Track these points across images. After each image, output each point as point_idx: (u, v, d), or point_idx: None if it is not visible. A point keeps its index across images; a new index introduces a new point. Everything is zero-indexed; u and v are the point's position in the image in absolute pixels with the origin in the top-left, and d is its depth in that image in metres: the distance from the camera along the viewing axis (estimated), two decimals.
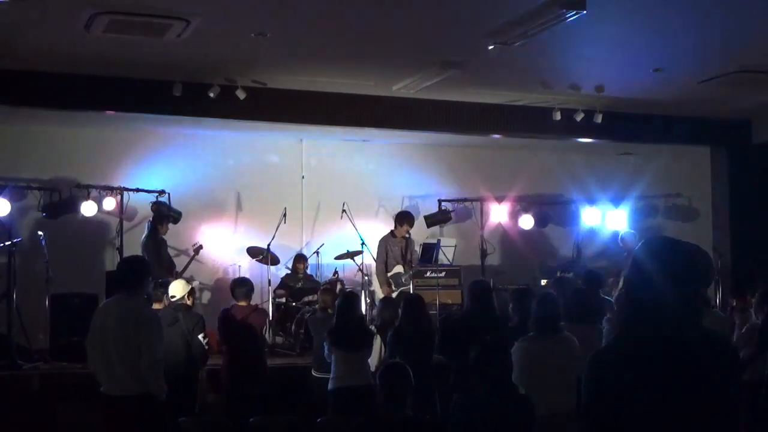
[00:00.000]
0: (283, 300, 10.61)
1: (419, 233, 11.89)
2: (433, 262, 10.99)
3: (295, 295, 10.65)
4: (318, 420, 6.48)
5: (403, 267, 10.53)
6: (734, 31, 7.78)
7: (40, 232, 10.55)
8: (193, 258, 10.81)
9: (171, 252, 11.15)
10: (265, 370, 8.16)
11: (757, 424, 6.74)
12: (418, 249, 11.23)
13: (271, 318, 9.91)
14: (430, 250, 11.12)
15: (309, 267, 11.28)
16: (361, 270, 10.76)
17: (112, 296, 5.82)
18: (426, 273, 11.05)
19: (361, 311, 9.43)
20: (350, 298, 7.92)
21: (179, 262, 10.97)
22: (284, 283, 10.97)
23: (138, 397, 5.48)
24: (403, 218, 10.59)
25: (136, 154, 11.30)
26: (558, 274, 11.35)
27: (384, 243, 10.61)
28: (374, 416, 4.86)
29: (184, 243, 11.23)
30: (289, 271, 11.19)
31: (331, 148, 12.27)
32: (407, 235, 10.62)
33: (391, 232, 10.69)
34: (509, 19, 7.26)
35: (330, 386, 7.35)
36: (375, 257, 10.61)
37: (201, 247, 10.94)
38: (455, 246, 11.19)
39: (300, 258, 11.09)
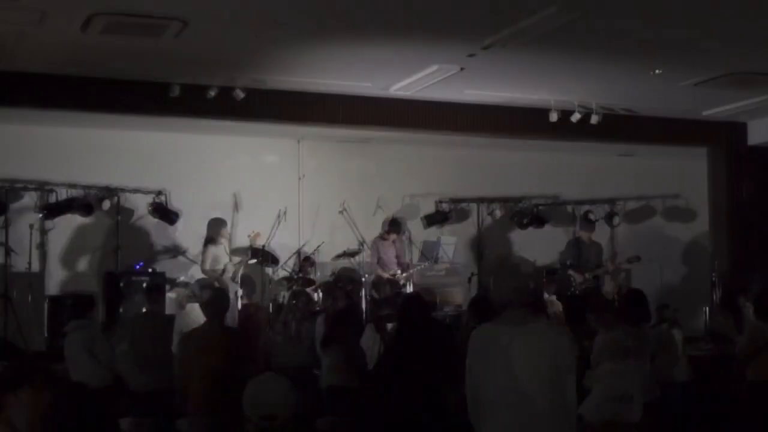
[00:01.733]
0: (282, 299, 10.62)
1: (418, 234, 11.98)
2: (434, 260, 11.14)
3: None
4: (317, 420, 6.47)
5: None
6: (730, 34, 7.80)
7: (36, 233, 10.58)
8: (251, 247, 10.69)
9: (169, 253, 11.25)
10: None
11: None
12: (419, 245, 11.33)
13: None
14: (431, 248, 11.20)
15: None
16: (358, 270, 10.81)
17: None
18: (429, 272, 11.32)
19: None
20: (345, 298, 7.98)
21: (179, 263, 11.09)
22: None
23: None
24: (389, 226, 11.13)
25: (133, 155, 11.28)
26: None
27: (375, 244, 11.08)
28: None
29: (183, 244, 11.23)
30: (287, 272, 11.16)
31: (330, 149, 12.26)
32: (403, 238, 11.04)
33: (381, 235, 11.04)
34: (506, 20, 7.29)
35: (321, 384, 7.39)
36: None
37: (259, 234, 10.77)
38: (455, 244, 11.26)
39: (307, 261, 11.05)
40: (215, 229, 10.50)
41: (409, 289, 10.59)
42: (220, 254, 10.39)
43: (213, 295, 7.36)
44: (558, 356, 3.85)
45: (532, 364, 3.84)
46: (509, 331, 3.90)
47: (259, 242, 10.75)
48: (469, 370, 4.03)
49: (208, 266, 10.23)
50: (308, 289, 10.41)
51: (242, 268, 10.40)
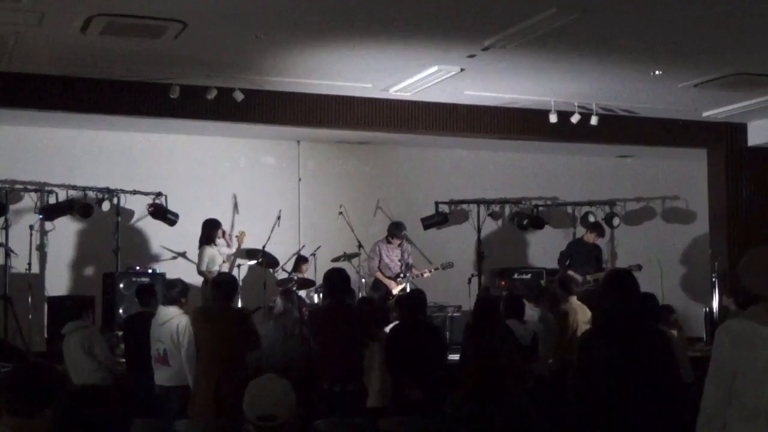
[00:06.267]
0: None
1: (417, 236, 11.95)
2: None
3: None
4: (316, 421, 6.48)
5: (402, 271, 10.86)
6: (730, 34, 7.80)
7: (36, 234, 10.57)
8: (239, 247, 10.77)
9: (168, 254, 11.25)
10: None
11: None
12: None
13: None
14: None
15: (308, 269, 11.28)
16: (358, 272, 10.80)
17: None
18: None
19: None
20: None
21: (175, 263, 11.07)
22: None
23: None
24: (395, 230, 10.99)
25: (133, 156, 11.29)
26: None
27: (377, 247, 10.97)
28: None
29: (180, 246, 11.22)
30: (287, 274, 11.16)
31: (329, 150, 12.27)
32: (405, 241, 11.06)
33: (386, 237, 10.97)
34: (505, 21, 7.29)
35: None
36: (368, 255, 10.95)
37: (245, 234, 10.86)
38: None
39: (301, 259, 11.08)
40: (210, 229, 10.51)
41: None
42: (216, 255, 10.38)
43: (222, 277, 7.44)
44: None
45: None
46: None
47: (245, 241, 10.86)
48: (722, 372, 3.66)
49: (204, 267, 10.23)
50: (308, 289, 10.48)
51: (236, 266, 10.42)
